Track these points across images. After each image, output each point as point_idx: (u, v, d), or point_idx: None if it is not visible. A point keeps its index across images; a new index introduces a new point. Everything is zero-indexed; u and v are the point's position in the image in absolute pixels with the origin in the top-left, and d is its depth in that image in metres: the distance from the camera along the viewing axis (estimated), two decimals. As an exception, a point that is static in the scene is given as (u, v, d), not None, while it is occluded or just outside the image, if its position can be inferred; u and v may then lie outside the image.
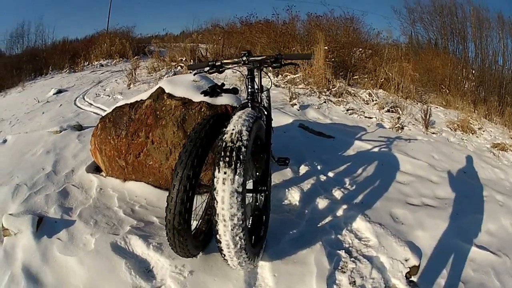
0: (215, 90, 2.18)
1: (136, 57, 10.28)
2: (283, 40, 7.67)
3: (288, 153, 3.10)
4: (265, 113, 2.08)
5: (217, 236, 1.46)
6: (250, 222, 2.00)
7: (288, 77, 6.60)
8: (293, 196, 2.65)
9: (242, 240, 1.46)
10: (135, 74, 7.50)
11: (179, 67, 8.13)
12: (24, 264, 1.97)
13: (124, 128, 2.70)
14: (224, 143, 1.48)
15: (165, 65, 8.58)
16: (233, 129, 1.51)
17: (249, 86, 2.04)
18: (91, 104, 6.00)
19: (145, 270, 1.91)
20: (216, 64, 2.09)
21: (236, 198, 1.39)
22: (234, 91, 2.31)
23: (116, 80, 7.87)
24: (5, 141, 4.44)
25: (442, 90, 7.70)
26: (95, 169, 3.12)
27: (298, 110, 4.90)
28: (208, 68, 2.11)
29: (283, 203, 2.60)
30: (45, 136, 4.04)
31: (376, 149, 3.63)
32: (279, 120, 4.27)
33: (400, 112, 5.42)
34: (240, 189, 1.40)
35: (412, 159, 3.45)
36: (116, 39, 12.10)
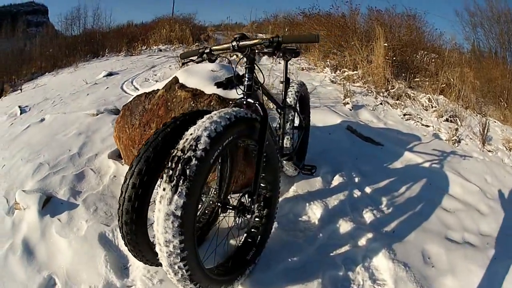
0: (231, 82, 1.99)
1: (195, 43, 10.98)
2: (342, 33, 7.54)
3: (326, 159, 3.08)
4: (261, 113, 1.78)
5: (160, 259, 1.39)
6: (241, 241, 1.99)
7: (346, 73, 6.48)
8: (314, 213, 2.49)
9: (183, 270, 1.33)
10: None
11: (234, 56, 8.44)
12: (25, 237, 2.35)
13: (138, 118, 2.87)
14: (174, 151, 1.33)
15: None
16: (190, 134, 1.35)
17: (247, 78, 1.83)
18: (137, 89, 6.44)
19: (121, 267, 2.05)
20: (205, 51, 1.95)
21: (172, 222, 1.24)
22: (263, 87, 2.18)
23: (169, 66, 8.28)
24: (42, 119, 5.05)
25: (500, 103, 7.26)
26: (118, 155, 3.36)
27: (351, 110, 4.79)
28: (196, 57, 1.98)
29: (299, 219, 2.44)
30: (81, 118, 4.55)
31: (427, 164, 3.37)
32: (327, 119, 4.17)
33: (459, 123, 5.08)
34: (178, 213, 1.23)
35: (464, 180, 3.16)
36: (176, 25, 12.88)
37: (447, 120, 5.12)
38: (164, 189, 1.26)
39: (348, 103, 4.97)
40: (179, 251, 1.28)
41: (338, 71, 6.82)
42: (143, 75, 7.64)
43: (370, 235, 2.23)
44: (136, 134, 2.86)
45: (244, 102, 1.80)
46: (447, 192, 2.90)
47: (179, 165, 1.27)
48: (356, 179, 2.91)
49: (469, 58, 9.91)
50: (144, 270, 1.97)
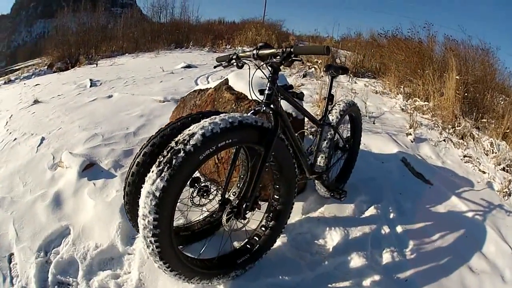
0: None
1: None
2: (420, 60, 7.45)
3: (369, 187, 3.11)
4: (272, 124, 1.88)
5: None
6: (241, 244, 2.16)
7: (417, 103, 6.42)
8: (332, 239, 2.51)
9: (154, 246, 1.53)
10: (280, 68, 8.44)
11: (312, 68, 8.75)
12: (58, 190, 2.92)
13: (188, 112, 3.21)
14: (172, 142, 1.54)
15: (300, 63, 9.41)
16: (188, 130, 1.56)
17: (267, 88, 1.95)
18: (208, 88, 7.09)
19: (130, 236, 2.40)
20: (233, 57, 2.14)
21: (151, 200, 1.46)
22: (299, 95, 2.30)
23: (247, 68, 8.90)
24: (110, 96, 5.79)
25: None
26: None
27: (412, 141, 4.76)
28: (225, 62, 2.18)
29: (315, 241, 2.49)
30: (147, 102, 5.16)
31: (470, 214, 3.22)
32: (383, 147, 4.22)
33: None
34: (157, 194, 1.45)
35: (500, 239, 2.86)
36: (263, 29, 13.74)
37: (503, 169, 4.86)
38: (152, 171, 1.49)
39: (411, 134, 4.93)
40: (152, 226, 1.49)
41: (410, 100, 6.76)
42: (220, 73, 8.08)
43: (378, 278, 2.18)
44: None
45: (262, 110, 1.94)
46: (480, 249, 2.75)
47: (169, 154, 1.48)
48: (391, 215, 2.88)
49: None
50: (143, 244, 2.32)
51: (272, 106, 1.94)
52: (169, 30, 14.91)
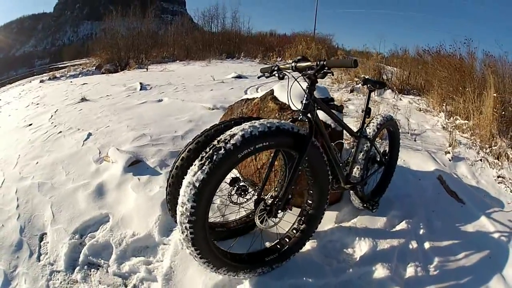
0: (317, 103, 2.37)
1: None
2: (461, 78, 7.56)
3: (404, 203, 3.29)
4: (307, 132, 2.11)
5: None
6: (272, 243, 2.38)
7: (458, 121, 6.47)
8: (360, 249, 2.67)
9: (188, 232, 1.77)
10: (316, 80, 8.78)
11: (360, 84, 9.03)
12: (103, 181, 3.37)
13: None
14: (215, 141, 1.80)
15: (349, 78, 9.86)
16: (230, 131, 1.82)
17: (305, 98, 2.21)
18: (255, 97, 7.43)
19: (167, 228, 2.73)
20: (275, 69, 2.41)
21: (190, 190, 1.71)
22: (338, 108, 2.53)
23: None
24: (160, 100, 6.28)
25: None
26: None
27: (450, 160, 4.90)
28: (268, 73, 2.46)
29: (344, 250, 2.66)
30: (197, 109, 5.60)
31: (496, 235, 3.26)
32: (422, 165, 4.40)
33: None
34: (197, 184, 1.70)
35: None
36: (313, 43, 14.27)
37: None
38: (195, 165, 1.75)
39: (449, 153, 5.03)
40: (188, 213, 1.73)
41: (451, 118, 6.83)
42: (270, 85, 8.44)
43: None
44: None
45: (299, 118, 2.17)
46: (500, 272, 2.78)
47: (211, 150, 1.74)
48: (421, 231, 3.02)
49: None
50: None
51: (308, 115, 2.17)
52: (221, 40, 15.66)
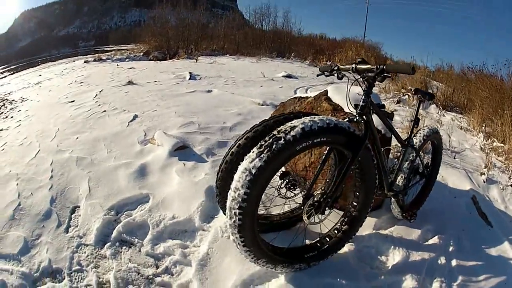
0: (369, 107, 2.42)
1: None
2: (499, 98, 7.53)
3: (438, 218, 3.33)
4: (362, 133, 2.17)
5: None
6: (312, 241, 2.40)
7: (495, 144, 6.41)
8: (393, 258, 2.72)
9: (237, 218, 1.77)
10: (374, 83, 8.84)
11: (406, 96, 9.03)
12: (146, 162, 3.44)
13: None
14: (275, 131, 1.82)
15: (396, 89, 9.88)
16: (291, 123, 1.83)
17: (362, 100, 2.24)
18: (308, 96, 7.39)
19: (208, 215, 2.76)
20: (334, 68, 2.46)
21: (246, 176, 1.71)
22: (389, 115, 2.56)
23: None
24: (210, 91, 6.35)
25: None
26: None
27: (484, 182, 4.86)
28: (328, 72, 2.51)
29: (378, 256, 2.72)
30: (246, 103, 5.66)
31: None
32: (459, 183, 4.41)
33: None
34: (253, 171, 1.70)
35: None
36: (363, 50, 14.39)
37: None
38: (253, 152, 1.76)
39: (484, 174, 5.03)
40: (240, 199, 1.74)
41: (489, 139, 6.77)
42: (319, 87, 8.52)
43: None
44: None
45: (354, 119, 2.20)
46: None
47: (271, 140, 1.75)
48: (450, 248, 3.05)
49: None
50: (224, 224, 2.56)
51: (364, 117, 2.21)
52: (271, 38, 15.74)
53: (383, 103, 2.70)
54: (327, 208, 2.15)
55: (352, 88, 2.38)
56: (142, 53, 15.36)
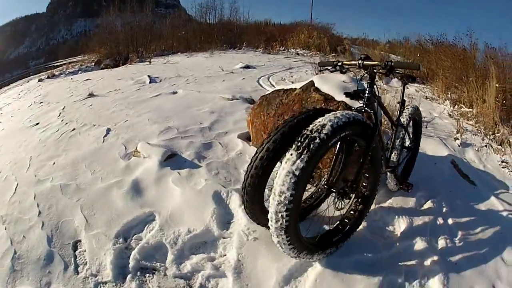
0: (358, 94, 2.48)
1: (332, 54, 12.09)
2: (463, 67, 7.86)
3: (426, 184, 3.51)
4: (373, 122, 2.30)
5: (269, 207, 1.82)
6: (333, 226, 2.44)
7: (462, 109, 6.82)
8: (400, 226, 2.88)
9: (284, 220, 1.78)
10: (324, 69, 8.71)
11: (362, 72, 9.01)
12: (137, 178, 3.14)
13: (274, 108, 3.51)
14: (305, 131, 1.83)
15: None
16: (319, 122, 1.86)
17: (367, 92, 2.33)
18: (273, 86, 7.24)
19: (225, 221, 2.59)
20: (338, 64, 2.54)
21: (290, 178, 1.72)
22: (379, 100, 2.57)
23: (306, 71, 9.29)
24: (175, 92, 6.05)
25: None
26: (247, 138, 4.04)
27: (459, 146, 5.26)
28: (331, 67, 2.59)
29: (386, 227, 2.87)
30: (216, 99, 5.43)
31: (505, 213, 3.65)
32: (436, 150, 4.71)
33: None
34: (297, 173, 1.71)
35: None
36: (315, 32, 14.32)
37: None
38: (291, 154, 1.76)
39: (458, 139, 5.40)
40: (287, 202, 1.74)
41: (456, 106, 7.21)
42: (280, 74, 8.65)
43: (435, 259, 2.54)
44: (269, 122, 3.50)
45: (363, 110, 2.28)
46: (510, 245, 3.12)
47: (307, 140, 1.77)
48: (444, 209, 3.29)
49: None
50: (245, 227, 2.46)
51: (371, 106, 2.31)
52: (221, 31, 15.47)
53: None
54: (351, 194, 2.26)
55: (336, 78, 2.60)
56: (93, 63, 14.59)
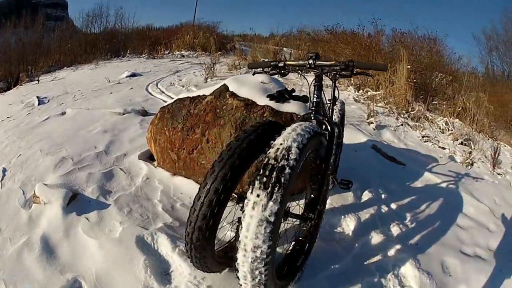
0: (282, 95, 2.18)
1: (218, 52, 11.65)
2: (367, 53, 8.10)
3: (354, 176, 3.29)
4: (329, 129, 1.99)
5: (236, 263, 1.43)
6: (290, 248, 2.06)
7: (369, 93, 7.01)
8: (348, 225, 2.73)
9: (263, 275, 1.41)
10: (214, 68, 8.30)
11: (260, 68, 8.85)
12: (44, 233, 2.30)
13: (181, 122, 2.93)
14: (266, 159, 1.43)
15: (247, 63, 9.43)
16: (280, 144, 1.46)
17: (315, 95, 1.98)
18: (163, 92, 6.70)
19: (162, 272, 2.00)
20: (279, 65, 2.10)
21: (265, 228, 1.32)
22: (304, 99, 2.27)
23: (194, 72, 8.78)
24: (63, 113, 5.16)
25: (511, 128, 7.69)
26: (149, 157, 3.40)
27: (374, 129, 5.21)
28: (269, 69, 2.13)
29: (335, 230, 2.67)
30: (107, 116, 4.59)
31: (444, 185, 3.77)
32: (353, 137, 4.57)
33: (472, 147, 5.69)
34: (271, 219, 1.32)
35: (476, 201, 3.55)
36: (200, 32, 13.70)
37: (462, 143, 5.65)
38: (258, 195, 1.35)
39: (372, 123, 5.41)
40: (265, 256, 1.35)
41: (361, 90, 7.38)
42: (168, 79, 8.02)
43: (398, 247, 2.47)
44: (177, 138, 2.92)
45: (312, 118, 1.94)
46: (461, 211, 3.27)
47: (274, 172, 1.37)
48: (383, 196, 3.24)
49: (483, 82, 10.41)
50: (190, 276, 1.93)
51: (321, 112, 1.98)
52: (105, 39, 14.45)
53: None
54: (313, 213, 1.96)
55: (253, 78, 2.29)
56: (-15, 88, 12.87)
